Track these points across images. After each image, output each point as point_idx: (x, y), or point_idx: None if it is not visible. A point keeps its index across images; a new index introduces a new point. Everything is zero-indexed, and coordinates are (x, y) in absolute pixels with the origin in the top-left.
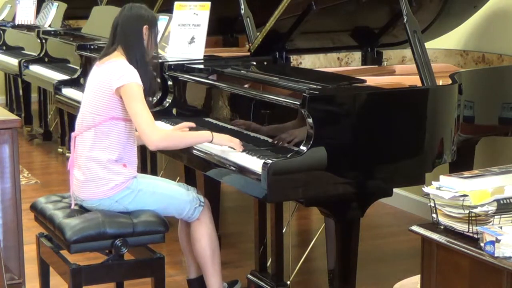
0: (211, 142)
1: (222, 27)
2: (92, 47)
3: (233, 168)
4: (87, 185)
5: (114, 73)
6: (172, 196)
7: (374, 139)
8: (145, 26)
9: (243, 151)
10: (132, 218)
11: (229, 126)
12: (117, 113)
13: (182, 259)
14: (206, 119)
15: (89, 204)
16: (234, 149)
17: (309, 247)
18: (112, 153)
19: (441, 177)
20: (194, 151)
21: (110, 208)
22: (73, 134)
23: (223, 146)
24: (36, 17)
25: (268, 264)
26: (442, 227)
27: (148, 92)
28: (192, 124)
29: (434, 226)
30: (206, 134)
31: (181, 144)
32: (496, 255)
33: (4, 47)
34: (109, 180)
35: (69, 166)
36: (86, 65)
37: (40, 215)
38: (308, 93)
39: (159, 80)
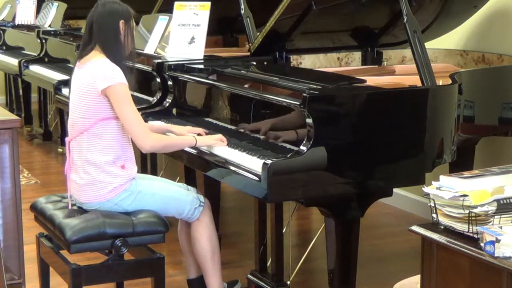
0: (195, 145)
1: (222, 27)
2: None
3: (233, 168)
4: (86, 188)
5: (98, 74)
6: (172, 196)
7: (374, 139)
8: (121, 21)
9: (243, 151)
10: (132, 218)
11: (229, 126)
12: (106, 113)
13: (182, 259)
14: (206, 119)
15: (89, 207)
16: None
17: (309, 247)
18: (108, 154)
19: (441, 177)
20: (194, 151)
21: (110, 210)
22: (66, 139)
23: (216, 146)
24: (36, 17)
25: (268, 264)
26: (442, 227)
27: (132, 87)
28: (205, 130)
29: (434, 226)
30: (190, 138)
31: (169, 149)
32: (496, 255)
33: (4, 47)
34: (108, 183)
35: (66, 171)
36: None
37: (40, 215)
38: (308, 93)
39: (158, 80)
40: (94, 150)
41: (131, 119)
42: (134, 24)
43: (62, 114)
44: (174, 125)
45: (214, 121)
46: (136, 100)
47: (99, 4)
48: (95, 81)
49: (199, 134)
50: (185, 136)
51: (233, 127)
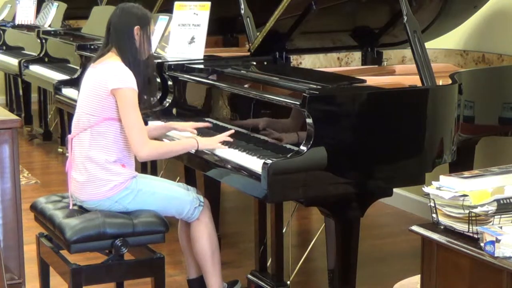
0: (197, 149)
1: (222, 27)
2: (92, 47)
3: (233, 168)
4: (86, 186)
5: (111, 74)
6: (172, 196)
7: (374, 139)
8: (136, 27)
9: (243, 151)
10: (132, 218)
11: (229, 126)
12: (112, 114)
13: (182, 259)
14: (206, 119)
15: (89, 205)
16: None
17: (309, 247)
18: (109, 154)
19: (441, 177)
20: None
21: (110, 208)
22: (69, 136)
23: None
24: (36, 17)
25: (268, 264)
26: (442, 227)
27: (142, 91)
28: (209, 125)
29: (434, 226)
30: (192, 142)
31: (169, 155)
32: (496, 255)
33: (4, 47)
34: (108, 181)
35: (66, 168)
36: (86, 65)
37: (40, 215)
38: (308, 93)
39: (158, 80)
40: (96, 148)
41: (132, 126)
42: (153, 29)
43: (62, 114)
44: (176, 122)
45: (214, 121)
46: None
47: (118, 7)
48: (107, 80)
49: (201, 134)
50: (186, 140)
51: (233, 127)
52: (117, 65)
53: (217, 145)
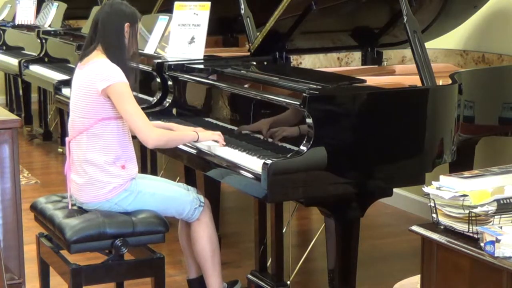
0: (197, 141)
1: (222, 27)
2: None
3: (233, 168)
4: (85, 188)
5: (98, 74)
6: (172, 196)
7: (374, 139)
8: (126, 24)
9: (243, 151)
10: (132, 218)
11: (229, 126)
12: (106, 113)
13: (182, 259)
14: (206, 119)
15: (89, 206)
16: (217, 142)
17: (309, 247)
18: (108, 154)
19: (441, 177)
20: (194, 151)
21: (110, 210)
22: (67, 138)
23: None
24: (36, 17)
25: (268, 264)
26: (442, 227)
27: (133, 87)
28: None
29: (434, 226)
30: (192, 134)
31: (172, 143)
32: (496, 255)
33: (4, 47)
34: (108, 183)
35: (65, 171)
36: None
37: (40, 215)
38: (308, 93)
39: (158, 80)
40: (93, 150)
41: (134, 116)
42: (140, 27)
43: (62, 114)
44: (176, 125)
45: (214, 121)
46: (137, 100)
47: (106, 4)
48: (94, 82)
49: None
50: (187, 132)
51: (233, 127)
52: (102, 64)
53: (214, 137)
